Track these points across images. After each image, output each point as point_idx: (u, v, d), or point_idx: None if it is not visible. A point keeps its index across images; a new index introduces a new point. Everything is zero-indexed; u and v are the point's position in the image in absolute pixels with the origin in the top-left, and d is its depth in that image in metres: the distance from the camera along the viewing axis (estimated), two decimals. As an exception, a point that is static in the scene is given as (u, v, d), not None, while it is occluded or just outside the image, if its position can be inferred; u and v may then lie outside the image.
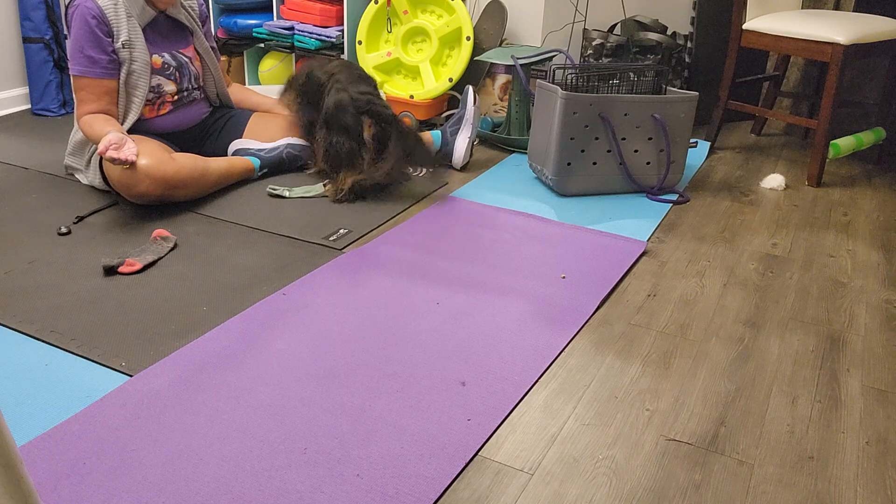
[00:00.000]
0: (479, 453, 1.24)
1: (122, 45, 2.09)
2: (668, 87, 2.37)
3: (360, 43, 2.97)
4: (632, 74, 2.35)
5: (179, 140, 2.35)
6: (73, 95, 2.15)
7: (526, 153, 2.68)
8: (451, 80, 2.86)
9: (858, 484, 1.21)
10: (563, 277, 1.81)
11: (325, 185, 2.27)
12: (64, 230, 1.95)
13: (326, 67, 2.37)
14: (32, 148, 2.59)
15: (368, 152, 2.23)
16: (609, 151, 2.28)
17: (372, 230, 2.05)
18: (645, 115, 2.27)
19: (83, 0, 2.06)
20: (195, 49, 2.32)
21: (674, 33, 2.99)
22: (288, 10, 3.05)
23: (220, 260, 1.85)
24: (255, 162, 2.32)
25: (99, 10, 2.06)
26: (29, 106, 3.09)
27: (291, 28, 3.03)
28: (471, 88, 2.52)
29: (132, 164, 1.96)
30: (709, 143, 2.83)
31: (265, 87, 3.00)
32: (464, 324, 1.60)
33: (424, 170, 2.51)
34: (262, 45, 3.14)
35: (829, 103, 2.42)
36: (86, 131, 2.09)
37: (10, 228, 1.98)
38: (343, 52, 3.00)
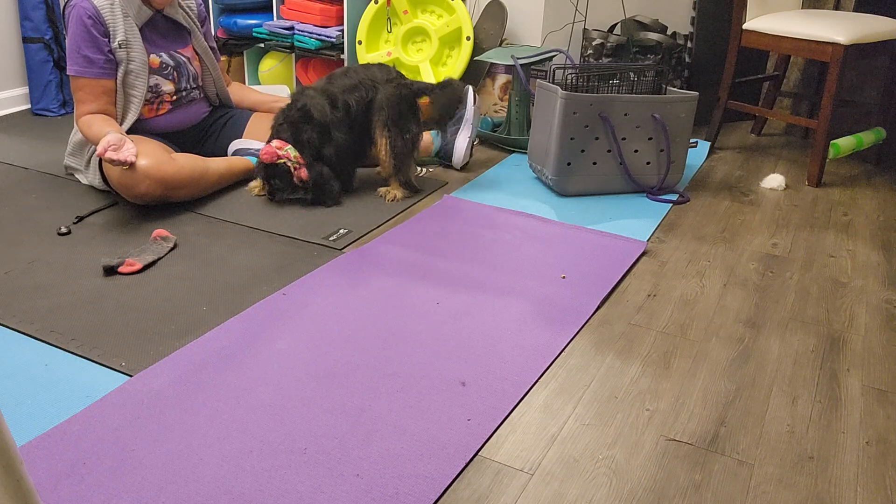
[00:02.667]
0: (479, 453, 1.24)
1: (119, 44, 2.09)
2: (668, 87, 2.37)
3: (360, 43, 2.97)
4: (632, 74, 2.35)
5: (179, 140, 2.35)
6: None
7: (526, 153, 2.68)
8: (451, 80, 2.85)
9: (858, 484, 1.21)
10: (563, 277, 1.81)
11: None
12: (64, 230, 1.95)
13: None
14: (32, 148, 2.59)
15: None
16: (609, 151, 2.28)
17: (372, 230, 2.05)
18: (645, 115, 2.27)
19: (79, 0, 2.06)
20: (194, 49, 2.32)
21: (674, 33, 2.99)
22: (288, 10, 3.05)
23: (220, 260, 1.85)
24: (255, 162, 2.32)
25: (95, 9, 2.05)
26: (29, 106, 3.09)
27: (291, 28, 3.03)
28: (471, 88, 2.52)
29: (132, 165, 1.96)
30: (709, 143, 2.83)
31: (266, 87, 3.01)
32: (464, 324, 1.60)
33: (424, 169, 2.51)
34: (262, 45, 3.14)
35: (829, 103, 2.42)
36: (85, 132, 2.09)
37: (10, 228, 1.98)
38: (343, 52, 3.00)
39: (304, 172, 2.12)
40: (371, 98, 2.21)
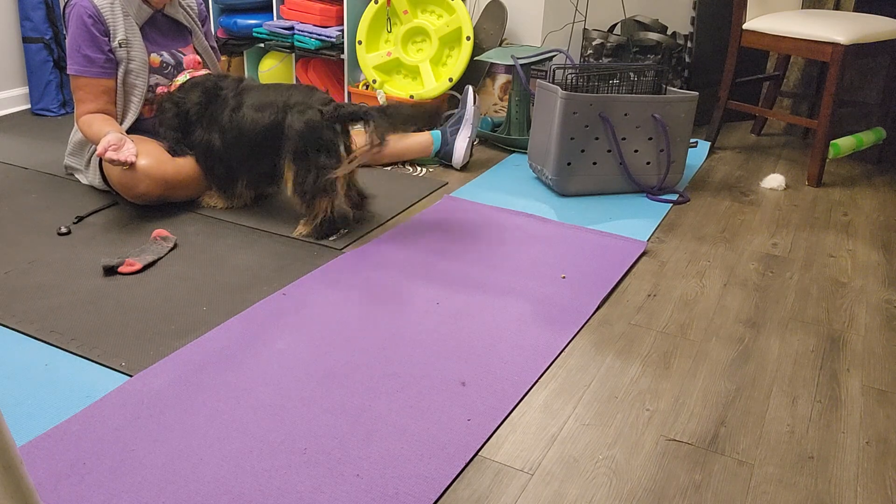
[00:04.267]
0: (479, 453, 1.24)
1: (119, 44, 2.09)
2: (668, 87, 2.37)
3: (360, 43, 2.97)
4: (632, 74, 2.35)
5: (179, 140, 2.34)
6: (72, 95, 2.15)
7: (526, 153, 2.68)
8: (451, 80, 2.86)
9: (858, 484, 1.21)
10: (563, 277, 1.81)
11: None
12: (64, 230, 1.95)
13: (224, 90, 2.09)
14: (32, 148, 2.59)
15: (344, 163, 1.93)
16: (609, 151, 2.28)
17: (372, 230, 2.05)
18: (645, 115, 2.27)
19: (79, -1, 2.06)
20: (194, 48, 2.32)
21: (674, 33, 2.99)
22: (288, 9, 3.04)
23: (220, 260, 1.85)
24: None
25: (95, 9, 2.05)
26: (29, 106, 3.09)
27: (291, 28, 3.03)
28: (471, 88, 2.52)
29: (132, 165, 1.95)
30: (709, 143, 2.83)
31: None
32: (464, 324, 1.60)
33: (424, 169, 2.51)
34: (262, 45, 3.14)
35: (829, 103, 2.42)
36: (85, 131, 2.09)
37: (10, 228, 1.98)
38: (343, 52, 3.00)
39: (160, 89, 2.19)
40: (279, 123, 1.95)
